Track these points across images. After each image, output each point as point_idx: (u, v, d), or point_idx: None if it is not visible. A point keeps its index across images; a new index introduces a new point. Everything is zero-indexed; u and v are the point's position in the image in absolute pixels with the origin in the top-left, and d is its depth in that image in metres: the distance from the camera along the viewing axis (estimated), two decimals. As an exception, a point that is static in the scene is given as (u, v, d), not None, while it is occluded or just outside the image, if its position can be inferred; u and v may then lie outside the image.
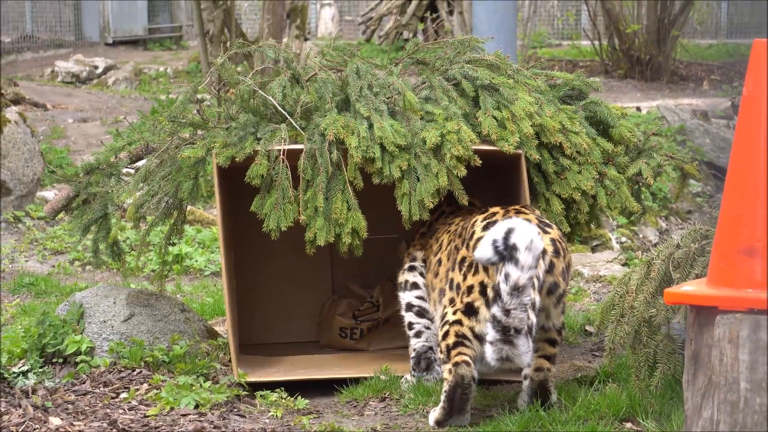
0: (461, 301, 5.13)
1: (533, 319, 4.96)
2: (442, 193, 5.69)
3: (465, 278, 5.18)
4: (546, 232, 5.19)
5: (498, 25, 11.24)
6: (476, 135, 5.77)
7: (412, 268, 5.85)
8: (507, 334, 4.87)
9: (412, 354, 5.78)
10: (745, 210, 4.05)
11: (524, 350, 4.91)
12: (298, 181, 5.68)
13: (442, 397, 5.11)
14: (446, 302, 5.27)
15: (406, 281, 5.83)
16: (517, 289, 4.84)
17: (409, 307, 5.81)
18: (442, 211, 5.91)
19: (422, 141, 5.71)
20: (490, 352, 4.94)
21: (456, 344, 5.13)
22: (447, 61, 6.22)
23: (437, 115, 5.82)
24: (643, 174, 6.09)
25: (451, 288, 5.28)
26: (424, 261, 5.83)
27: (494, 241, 4.90)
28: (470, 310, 5.12)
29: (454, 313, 5.16)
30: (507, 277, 4.85)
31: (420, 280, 5.79)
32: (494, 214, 5.33)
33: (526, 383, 5.31)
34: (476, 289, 5.14)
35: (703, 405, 4.07)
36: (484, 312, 5.07)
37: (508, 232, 4.88)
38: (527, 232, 4.87)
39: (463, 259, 5.24)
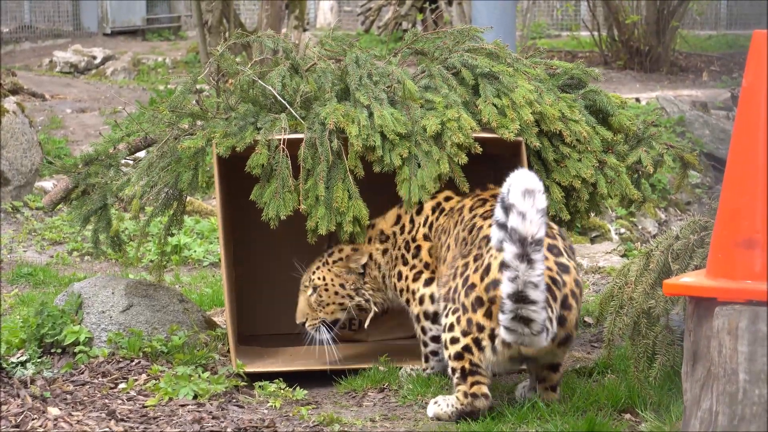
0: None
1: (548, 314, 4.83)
2: (443, 179, 5.68)
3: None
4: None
5: (497, 15, 11.22)
6: (476, 123, 5.77)
7: (430, 281, 5.62)
8: (524, 245, 4.61)
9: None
10: (744, 202, 4.05)
11: (540, 295, 4.66)
12: (299, 171, 5.68)
13: (452, 409, 5.05)
14: (459, 302, 5.06)
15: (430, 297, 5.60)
16: (528, 193, 4.60)
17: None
18: (442, 209, 5.68)
19: (423, 129, 5.71)
20: (506, 281, 4.69)
21: (473, 372, 5.01)
22: (446, 50, 6.22)
23: (437, 102, 5.82)
24: (643, 162, 6.09)
25: (466, 295, 5.03)
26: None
27: (498, 222, 4.77)
28: (491, 336, 4.96)
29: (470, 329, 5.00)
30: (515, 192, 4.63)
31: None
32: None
33: (528, 403, 5.21)
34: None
35: (702, 396, 4.07)
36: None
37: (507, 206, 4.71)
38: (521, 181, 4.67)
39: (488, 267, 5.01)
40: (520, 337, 4.81)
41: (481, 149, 5.70)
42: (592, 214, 6.44)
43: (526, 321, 4.76)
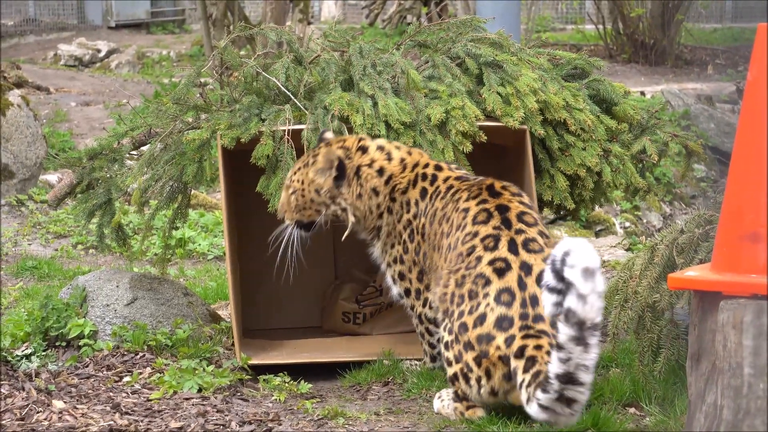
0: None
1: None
2: None
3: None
4: None
5: (502, 9, 11.22)
6: (480, 111, 5.78)
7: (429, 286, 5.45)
8: (582, 329, 4.39)
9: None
10: (748, 195, 4.04)
11: (589, 377, 4.45)
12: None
13: (453, 417, 5.03)
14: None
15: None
16: (589, 273, 4.33)
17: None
18: (439, 192, 5.38)
19: (427, 118, 5.72)
20: (556, 361, 4.43)
21: (466, 398, 4.92)
22: (449, 41, 6.22)
23: (441, 91, 5.83)
24: (647, 151, 6.09)
25: (459, 331, 4.89)
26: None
27: (548, 286, 4.42)
28: (479, 381, 4.88)
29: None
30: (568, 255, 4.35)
31: None
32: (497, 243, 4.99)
33: None
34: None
35: (707, 390, 4.06)
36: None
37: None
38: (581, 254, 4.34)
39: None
40: (554, 416, 4.59)
41: (485, 138, 5.70)
42: (597, 206, 6.44)
43: (570, 402, 4.54)
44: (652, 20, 17.71)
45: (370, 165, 5.48)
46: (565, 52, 6.41)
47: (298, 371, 5.69)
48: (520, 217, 5.03)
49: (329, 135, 5.62)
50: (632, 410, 5.11)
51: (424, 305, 5.46)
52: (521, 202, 5.12)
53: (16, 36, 20.66)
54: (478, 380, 4.84)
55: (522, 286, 4.81)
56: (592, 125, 5.96)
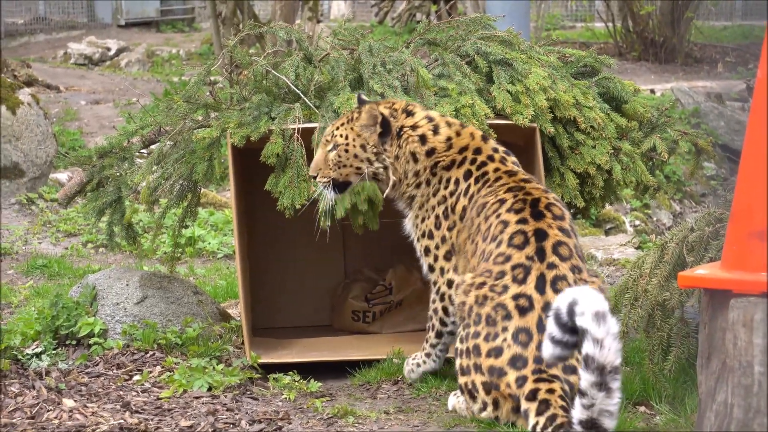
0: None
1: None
2: None
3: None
4: None
5: (511, 7, 11.21)
6: (490, 110, 5.78)
7: (457, 268, 5.33)
8: (603, 373, 4.28)
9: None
10: (758, 193, 4.03)
11: (613, 423, 4.34)
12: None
13: (464, 413, 5.02)
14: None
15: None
16: (600, 317, 4.24)
17: None
18: (487, 179, 5.24)
19: (437, 116, 5.71)
20: (579, 407, 4.33)
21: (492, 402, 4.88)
22: (459, 39, 6.22)
23: (451, 90, 5.83)
24: (657, 149, 6.09)
25: (471, 351, 4.87)
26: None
27: (553, 338, 4.34)
28: (484, 405, 4.87)
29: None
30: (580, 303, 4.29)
31: None
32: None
33: None
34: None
35: (717, 389, 4.06)
36: None
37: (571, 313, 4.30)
38: (591, 301, 4.27)
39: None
40: None
41: (495, 136, 5.70)
42: (607, 204, 6.43)
43: None
44: (662, 18, 17.68)
45: (413, 128, 5.39)
46: (575, 50, 6.41)
47: (307, 370, 5.69)
48: (556, 248, 4.89)
49: (364, 97, 5.56)
50: (642, 409, 5.11)
51: (449, 286, 5.32)
52: (561, 229, 4.96)
53: (26, 34, 20.70)
54: (484, 404, 4.82)
55: (541, 328, 4.71)
56: (602, 123, 5.96)
